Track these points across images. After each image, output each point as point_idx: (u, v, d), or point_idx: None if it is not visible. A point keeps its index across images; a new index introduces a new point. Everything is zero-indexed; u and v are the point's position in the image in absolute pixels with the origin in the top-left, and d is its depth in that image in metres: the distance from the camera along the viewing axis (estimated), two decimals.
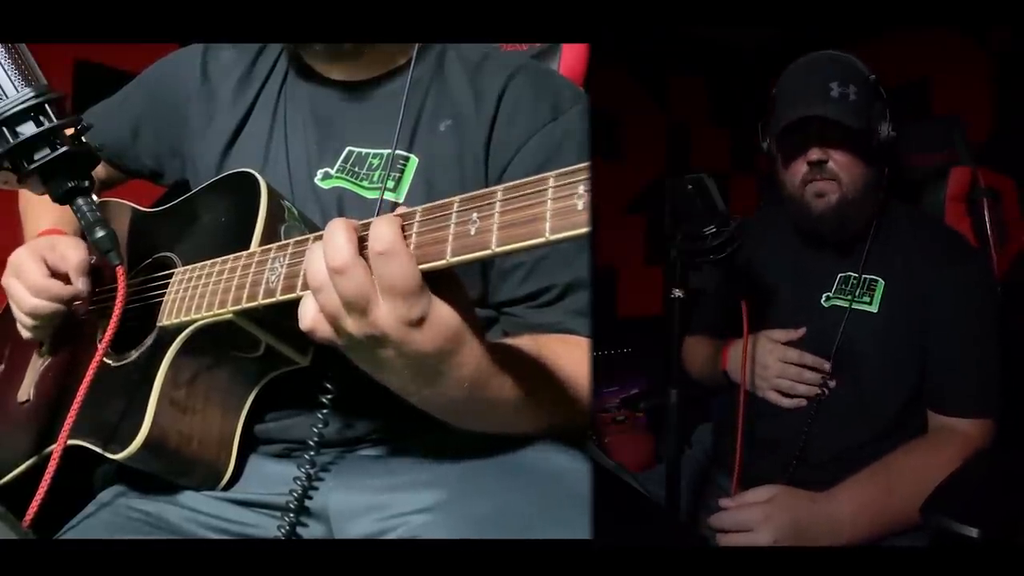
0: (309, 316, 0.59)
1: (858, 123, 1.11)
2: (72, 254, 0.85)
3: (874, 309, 1.17)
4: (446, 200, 0.56)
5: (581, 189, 0.49)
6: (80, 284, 0.85)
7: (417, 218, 0.57)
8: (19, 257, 0.86)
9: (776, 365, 1.20)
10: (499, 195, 0.53)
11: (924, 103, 2.43)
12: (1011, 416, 1.13)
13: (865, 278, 1.18)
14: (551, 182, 0.51)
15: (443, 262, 0.54)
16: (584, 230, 0.49)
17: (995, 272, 1.34)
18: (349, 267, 0.55)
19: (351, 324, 0.57)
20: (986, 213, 1.39)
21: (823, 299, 1.22)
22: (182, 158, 1.01)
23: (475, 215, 0.53)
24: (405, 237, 0.56)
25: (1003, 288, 1.31)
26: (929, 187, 1.39)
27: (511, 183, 0.53)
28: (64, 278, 0.85)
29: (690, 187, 1.03)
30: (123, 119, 1.03)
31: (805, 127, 1.13)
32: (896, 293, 1.16)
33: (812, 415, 1.17)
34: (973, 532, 0.86)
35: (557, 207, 0.50)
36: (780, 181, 1.22)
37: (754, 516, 1.05)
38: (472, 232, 0.53)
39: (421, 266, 0.55)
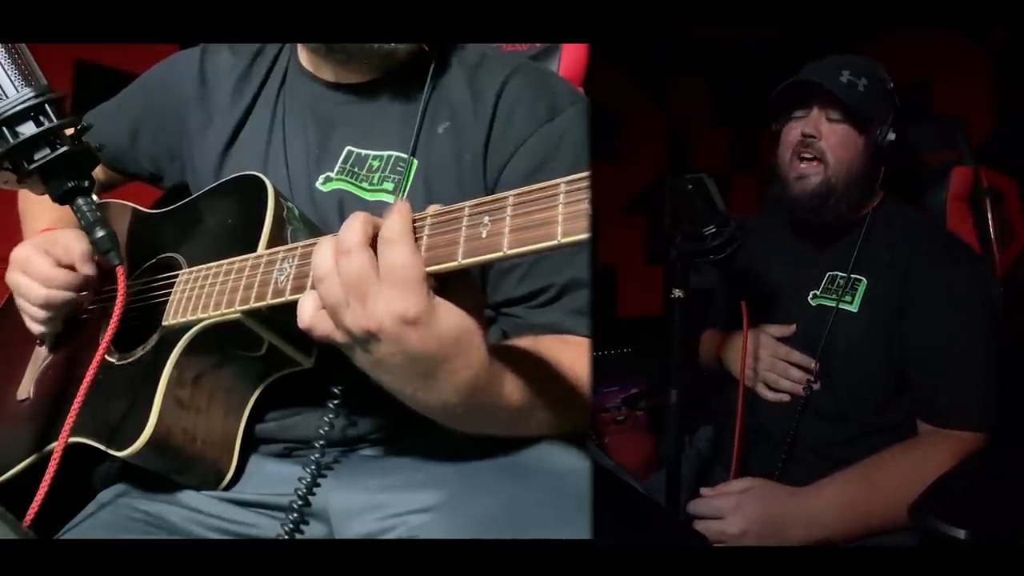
0: (308, 312, 0.60)
1: (856, 107, 1.13)
2: (75, 245, 0.85)
3: (854, 309, 1.17)
4: (457, 205, 0.57)
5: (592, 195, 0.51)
6: (87, 270, 0.85)
7: (428, 222, 0.58)
8: (24, 252, 0.86)
9: (766, 359, 1.22)
10: (510, 200, 0.54)
11: (924, 103, 2.43)
12: (1004, 418, 1.12)
13: (851, 277, 1.18)
14: (562, 187, 0.52)
15: (454, 263, 0.55)
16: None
17: (996, 275, 1.33)
18: (355, 249, 0.56)
19: (349, 316, 0.57)
20: (988, 213, 1.39)
21: (810, 297, 1.22)
22: (181, 161, 1.01)
23: (487, 219, 0.54)
24: (416, 239, 0.57)
25: (1005, 287, 1.31)
26: (931, 187, 1.39)
27: (522, 189, 0.54)
28: (70, 268, 0.86)
29: (690, 187, 1.03)
30: (121, 123, 1.03)
31: (807, 99, 1.16)
32: (878, 293, 1.16)
33: (800, 410, 1.17)
34: (961, 534, 0.86)
35: (568, 211, 0.51)
36: (776, 162, 1.23)
37: (726, 504, 1.07)
38: (483, 235, 0.54)
39: (432, 267, 0.56)
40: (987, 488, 1.02)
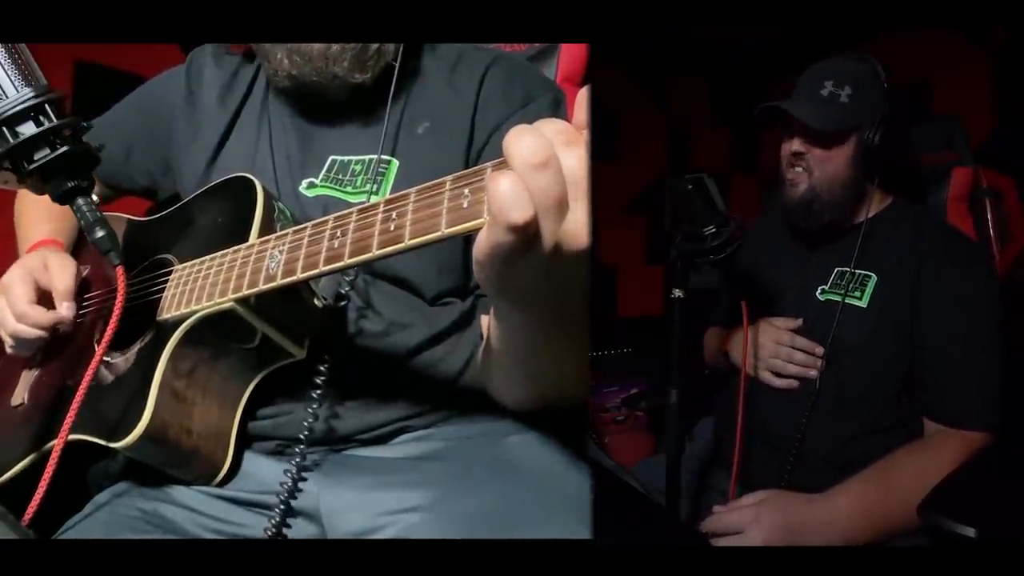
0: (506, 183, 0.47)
1: (830, 125, 1.14)
2: (60, 278, 0.86)
3: (863, 304, 1.17)
4: (438, 180, 0.57)
5: None
6: (63, 310, 0.86)
7: (412, 196, 0.58)
8: (10, 277, 0.87)
9: (770, 346, 1.23)
10: (489, 171, 0.54)
11: (924, 103, 2.43)
12: (1011, 417, 1.12)
13: (858, 273, 1.19)
14: None
15: (438, 234, 0.55)
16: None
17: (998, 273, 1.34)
18: (552, 160, 0.47)
19: (552, 226, 0.48)
20: (988, 213, 1.39)
21: (818, 292, 1.23)
22: (173, 173, 1.02)
23: (467, 191, 0.54)
24: (399, 216, 0.57)
25: (1004, 287, 1.31)
26: (931, 187, 1.39)
27: (501, 159, 0.52)
28: (51, 300, 0.87)
29: (690, 187, 1.04)
30: (115, 141, 1.04)
31: (790, 116, 1.17)
32: (888, 290, 1.16)
33: (808, 409, 1.17)
34: (971, 532, 0.86)
35: None
36: (778, 167, 1.26)
37: (744, 519, 1.05)
38: (465, 205, 0.54)
39: (417, 239, 0.56)
40: (996, 486, 1.01)
